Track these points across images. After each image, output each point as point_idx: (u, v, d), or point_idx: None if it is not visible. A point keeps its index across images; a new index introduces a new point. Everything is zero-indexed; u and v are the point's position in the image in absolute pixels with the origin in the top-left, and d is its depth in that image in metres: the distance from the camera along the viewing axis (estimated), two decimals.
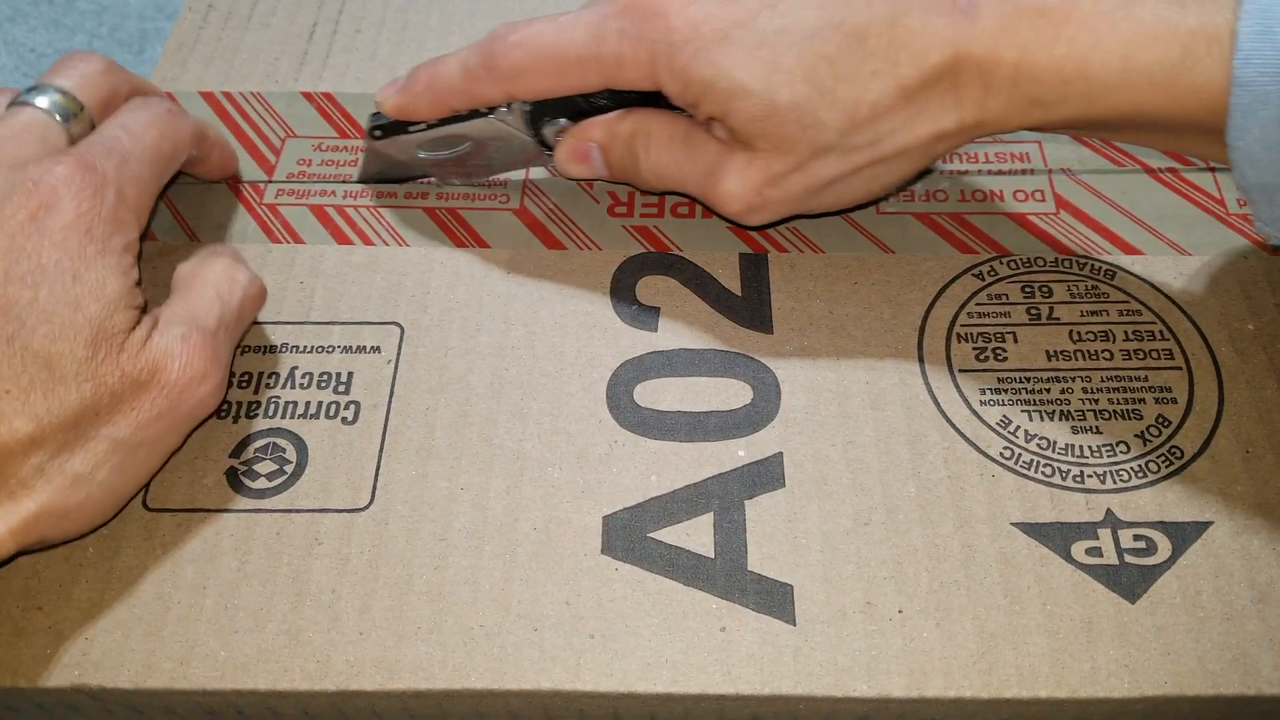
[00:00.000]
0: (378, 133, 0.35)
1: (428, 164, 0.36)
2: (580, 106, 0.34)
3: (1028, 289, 0.34)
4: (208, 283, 0.31)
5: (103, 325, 0.27)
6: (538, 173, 0.38)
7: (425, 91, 0.33)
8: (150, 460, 0.29)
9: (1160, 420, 0.31)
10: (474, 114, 0.34)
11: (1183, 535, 0.29)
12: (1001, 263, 0.34)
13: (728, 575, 0.28)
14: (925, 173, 0.37)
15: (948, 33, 0.29)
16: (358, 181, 0.37)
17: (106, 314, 0.27)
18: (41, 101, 0.30)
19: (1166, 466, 0.30)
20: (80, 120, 0.30)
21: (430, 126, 0.35)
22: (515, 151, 0.36)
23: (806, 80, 0.29)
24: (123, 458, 0.27)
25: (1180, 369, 0.32)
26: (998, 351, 0.32)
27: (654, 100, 0.32)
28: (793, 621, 0.28)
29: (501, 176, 0.37)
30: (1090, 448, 0.30)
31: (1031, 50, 0.28)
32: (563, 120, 0.34)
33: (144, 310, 0.29)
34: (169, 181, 0.33)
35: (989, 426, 0.31)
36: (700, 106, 0.31)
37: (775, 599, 0.28)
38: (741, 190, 0.31)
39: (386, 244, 0.36)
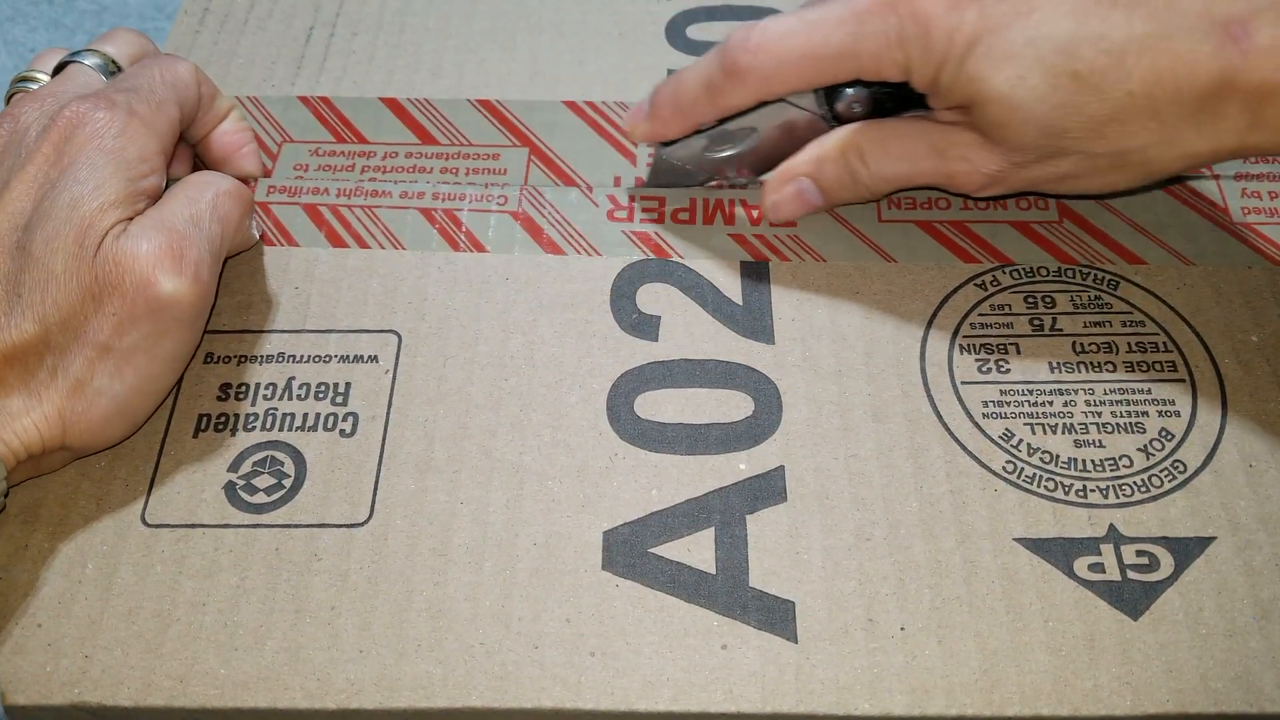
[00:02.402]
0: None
1: (717, 163, 0.36)
2: None
3: (1030, 299, 0.34)
4: (178, 192, 0.32)
5: (91, 224, 0.28)
6: (536, 176, 0.37)
7: (673, 115, 0.34)
8: (152, 367, 0.29)
9: (1163, 433, 0.31)
10: (762, 102, 0.33)
11: (1185, 551, 0.29)
12: (1004, 272, 0.34)
13: (729, 592, 0.28)
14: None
15: (1213, 62, 0.27)
16: (648, 186, 0.37)
17: (98, 213, 0.29)
18: (88, 60, 0.34)
19: (1169, 481, 0.30)
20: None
21: (720, 122, 0.34)
22: (806, 135, 0.35)
23: (1053, 95, 0.28)
24: (117, 364, 0.28)
25: (1183, 381, 0.32)
26: (1000, 363, 0.32)
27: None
28: (794, 639, 0.28)
29: (499, 179, 0.37)
30: (1093, 462, 0.30)
31: None
32: (858, 90, 0.33)
33: None
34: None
35: (991, 440, 0.31)
36: (947, 99, 0.31)
37: (777, 616, 0.28)
38: (983, 165, 0.31)
39: (382, 247, 0.35)
